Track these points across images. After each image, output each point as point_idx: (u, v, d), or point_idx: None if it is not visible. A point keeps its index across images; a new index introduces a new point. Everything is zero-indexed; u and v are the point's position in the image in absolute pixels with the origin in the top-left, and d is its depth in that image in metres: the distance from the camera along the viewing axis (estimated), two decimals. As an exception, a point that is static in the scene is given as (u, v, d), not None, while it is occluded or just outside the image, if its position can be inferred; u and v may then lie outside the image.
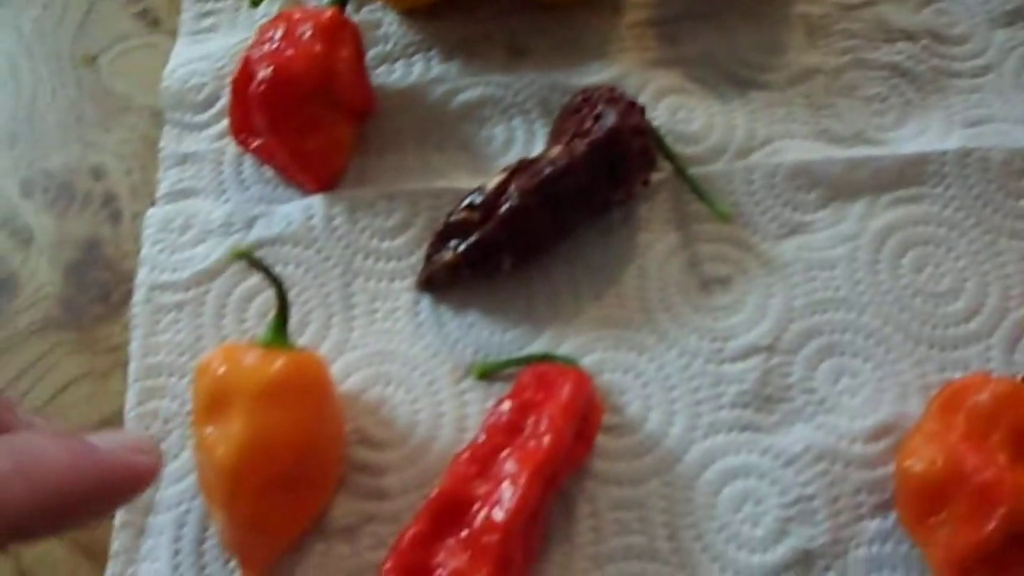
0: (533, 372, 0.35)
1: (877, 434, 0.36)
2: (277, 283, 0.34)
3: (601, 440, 0.36)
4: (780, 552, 0.34)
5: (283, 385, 0.32)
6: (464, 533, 0.31)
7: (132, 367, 0.38)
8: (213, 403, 0.33)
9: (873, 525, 0.35)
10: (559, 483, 0.34)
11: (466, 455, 0.33)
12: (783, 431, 0.36)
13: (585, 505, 0.35)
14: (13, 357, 0.40)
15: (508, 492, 0.31)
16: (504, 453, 0.33)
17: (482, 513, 0.31)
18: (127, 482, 0.25)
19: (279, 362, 0.33)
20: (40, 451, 0.23)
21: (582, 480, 0.35)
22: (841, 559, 0.34)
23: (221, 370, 0.33)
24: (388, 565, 0.31)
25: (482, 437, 0.33)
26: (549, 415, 0.33)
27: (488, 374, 0.37)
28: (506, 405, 0.34)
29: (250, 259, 0.32)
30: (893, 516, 0.35)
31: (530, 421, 0.33)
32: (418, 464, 0.36)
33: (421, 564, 0.31)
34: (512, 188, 0.37)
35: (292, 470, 0.33)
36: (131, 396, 0.38)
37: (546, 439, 0.32)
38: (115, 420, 0.38)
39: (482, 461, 0.33)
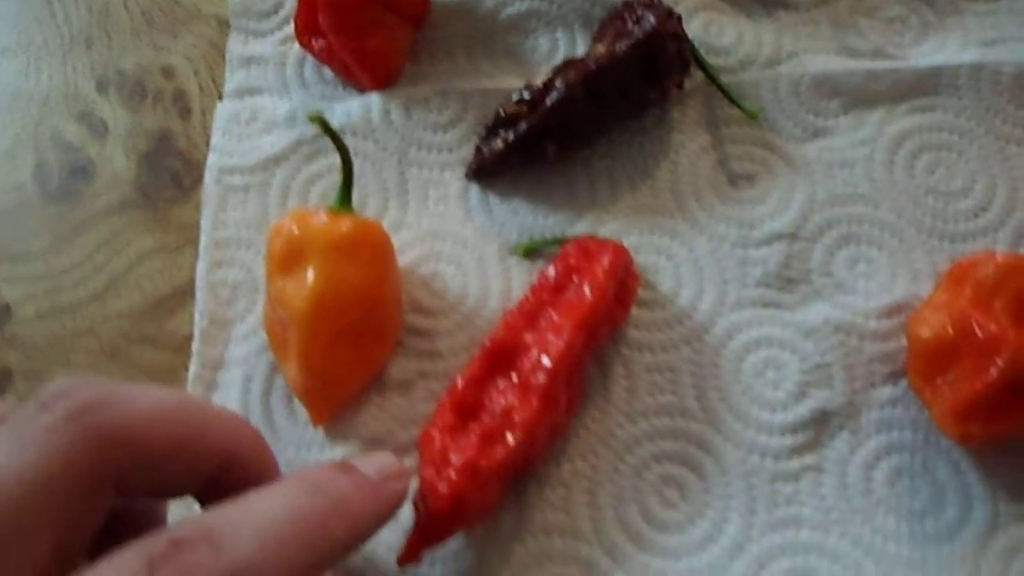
0: (576, 244, 0.38)
1: (890, 312, 0.39)
2: (343, 150, 0.36)
3: (636, 313, 0.39)
4: (799, 411, 0.37)
5: (353, 242, 0.36)
6: (514, 376, 0.35)
7: (203, 240, 0.42)
8: (288, 259, 0.36)
9: (885, 391, 0.38)
10: (599, 340, 0.37)
11: (515, 310, 0.36)
12: (803, 308, 0.39)
13: (620, 368, 0.38)
14: (91, 233, 0.44)
15: (554, 339, 0.35)
16: (550, 308, 0.36)
17: (531, 357, 0.35)
18: (394, 510, 0.28)
19: (348, 222, 0.36)
20: (344, 491, 0.26)
21: (618, 346, 0.39)
22: (854, 419, 0.37)
23: (295, 230, 0.36)
24: (444, 402, 0.35)
25: (530, 296, 0.37)
26: (591, 276, 0.36)
27: (532, 252, 0.41)
28: (552, 270, 0.37)
29: (323, 123, 0.35)
30: (903, 384, 0.38)
31: (574, 281, 0.36)
32: (467, 330, 0.39)
33: (474, 401, 0.34)
34: (558, 82, 0.40)
35: (360, 323, 0.36)
36: (201, 266, 0.41)
37: (588, 295, 0.36)
38: (187, 289, 0.42)
39: (530, 315, 0.36)
